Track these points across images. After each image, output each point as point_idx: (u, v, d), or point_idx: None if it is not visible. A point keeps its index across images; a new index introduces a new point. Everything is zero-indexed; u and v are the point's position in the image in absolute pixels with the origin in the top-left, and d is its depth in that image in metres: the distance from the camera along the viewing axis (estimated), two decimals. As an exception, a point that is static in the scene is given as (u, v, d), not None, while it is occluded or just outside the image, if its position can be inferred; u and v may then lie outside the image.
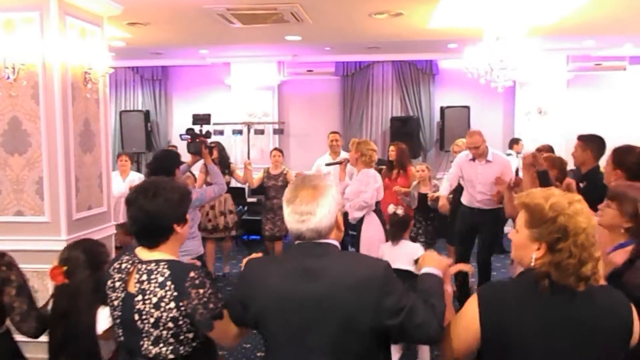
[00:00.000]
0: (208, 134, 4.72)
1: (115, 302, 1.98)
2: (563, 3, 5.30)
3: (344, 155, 6.40)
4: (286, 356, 1.75)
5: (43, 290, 4.19)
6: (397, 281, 1.72)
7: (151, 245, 1.99)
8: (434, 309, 1.73)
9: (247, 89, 9.09)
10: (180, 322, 1.88)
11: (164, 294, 1.87)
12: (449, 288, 1.94)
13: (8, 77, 3.94)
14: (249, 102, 9.08)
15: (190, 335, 1.93)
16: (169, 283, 1.87)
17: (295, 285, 1.72)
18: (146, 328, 1.89)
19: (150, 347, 1.91)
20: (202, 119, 4.89)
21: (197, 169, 7.37)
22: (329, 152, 6.78)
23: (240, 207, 8.51)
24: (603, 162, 3.75)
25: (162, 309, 1.86)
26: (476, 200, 5.20)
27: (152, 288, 1.88)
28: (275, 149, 7.05)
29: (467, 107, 8.77)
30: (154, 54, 8.51)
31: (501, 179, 4.67)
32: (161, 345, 1.90)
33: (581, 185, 3.93)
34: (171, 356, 1.91)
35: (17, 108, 4.07)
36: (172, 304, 1.86)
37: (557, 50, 8.07)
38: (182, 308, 1.86)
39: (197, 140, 4.60)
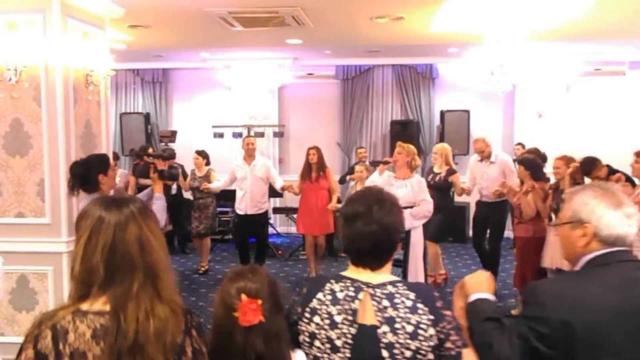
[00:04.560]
0: (170, 155, 4.19)
1: (339, 342, 1.60)
2: (563, 8, 5.32)
3: (259, 159, 6.69)
4: None
5: (43, 292, 4.20)
6: None
7: (379, 265, 1.67)
8: None
9: (247, 92, 9.09)
10: (438, 352, 1.59)
11: (419, 320, 1.58)
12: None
13: (10, 79, 3.94)
14: (249, 105, 9.08)
15: None
16: (420, 306, 1.59)
17: (631, 297, 1.59)
18: None
19: None
20: (166, 136, 4.51)
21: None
22: (243, 154, 6.66)
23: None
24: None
25: (420, 338, 1.57)
26: (483, 194, 6.23)
27: (402, 315, 1.58)
28: (196, 152, 7.19)
29: (467, 111, 8.79)
30: (155, 56, 8.52)
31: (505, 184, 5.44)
32: None
33: None
34: None
35: (19, 110, 4.07)
36: (432, 330, 1.57)
37: (557, 54, 8.09)
38: (439, 334, 1.59)
39: (144, 162, 4.02)
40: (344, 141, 9.31)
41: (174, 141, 4.39)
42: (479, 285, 1.75)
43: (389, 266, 1.69)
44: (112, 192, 3.80)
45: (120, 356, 1.36)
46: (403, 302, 1.59)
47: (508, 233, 8.59)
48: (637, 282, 1.62)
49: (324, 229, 6.68)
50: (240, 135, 8.73)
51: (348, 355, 1.59)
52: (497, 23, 5.43)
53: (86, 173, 3.50)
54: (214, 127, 8.59)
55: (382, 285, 1.62)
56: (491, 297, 1.75)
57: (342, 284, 1.65)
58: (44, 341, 1.38)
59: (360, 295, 1.61)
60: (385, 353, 1.56)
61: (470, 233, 8.51)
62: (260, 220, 6.65)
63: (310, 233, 6.67)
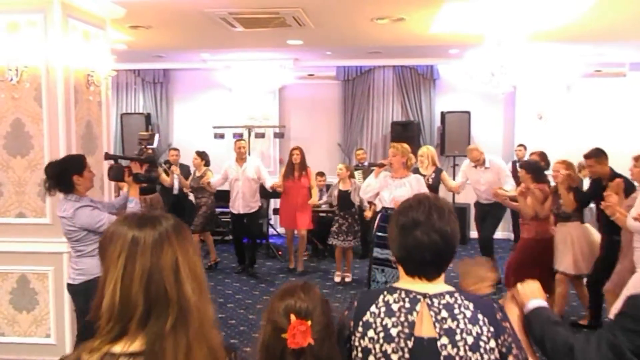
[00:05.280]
0: (149, 158, 4.04)
1: (395, 356, 1.51)
2: (564, 10, 5.32)
3: (250, 160, 6.94)
4: None
5: (44, 293, 4.20)
6: None
7: (438, 274, 1.59)
8: None
9: (248, 93, 9.10)
10: None
11: (479, 332, 1.50)
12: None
13: (11, 79, 3.95)
14: (250, 105, 9.10)
15: None
16: (480, 317, 1.52)
17: None
18: None
19: None
20: (145, 139, 4.40)
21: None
22: (235, 157, 6.88)
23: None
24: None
25: (481, 351, 1.49)
26: (482, 198, 6.45)
27: (462, 326, 1.50)
28: (196, 152, 7.32)
29: (468, 112, 8.79)
30: (155, 57, 8.53)
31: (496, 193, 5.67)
32: None
33: None
34: None
35: (20, 110, 4.08)
36: (493, 343, 1.50)
37: (558, 55, 8.09)
38: (500, 347, 1.51)
39: (119, 165, 3.89)
40: (345, 142, 9.31)
41: (152, 143, 4.28)
42: (534, 294, 1.72)
43: (444, 276, 1.61)
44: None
45: None
46: (463, 312, 1.52)
47: (509, 234, 8.61)
48: None
49: (305, 225, 7.01)
50: (241, 136, 8.75)
51: None
52: (497, 24, 5.44)
53: (61, 174, 3.40)
54: (214, 127, 8.60)
55: (440, 295, 1.55)
56: (547, 305, 1.72)
57: (396, 295, 1.57)
58: None
59: (418, 307, 1.54)
60: None
61: (471, 234, 8.54)
62: (252, 219, 6.97)
63: (291, 228, 7.10)
